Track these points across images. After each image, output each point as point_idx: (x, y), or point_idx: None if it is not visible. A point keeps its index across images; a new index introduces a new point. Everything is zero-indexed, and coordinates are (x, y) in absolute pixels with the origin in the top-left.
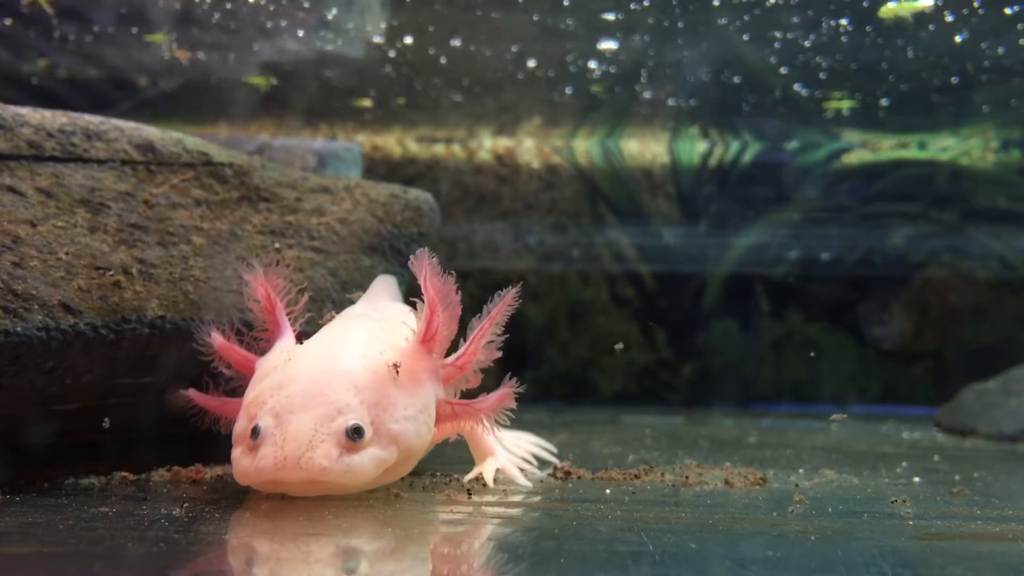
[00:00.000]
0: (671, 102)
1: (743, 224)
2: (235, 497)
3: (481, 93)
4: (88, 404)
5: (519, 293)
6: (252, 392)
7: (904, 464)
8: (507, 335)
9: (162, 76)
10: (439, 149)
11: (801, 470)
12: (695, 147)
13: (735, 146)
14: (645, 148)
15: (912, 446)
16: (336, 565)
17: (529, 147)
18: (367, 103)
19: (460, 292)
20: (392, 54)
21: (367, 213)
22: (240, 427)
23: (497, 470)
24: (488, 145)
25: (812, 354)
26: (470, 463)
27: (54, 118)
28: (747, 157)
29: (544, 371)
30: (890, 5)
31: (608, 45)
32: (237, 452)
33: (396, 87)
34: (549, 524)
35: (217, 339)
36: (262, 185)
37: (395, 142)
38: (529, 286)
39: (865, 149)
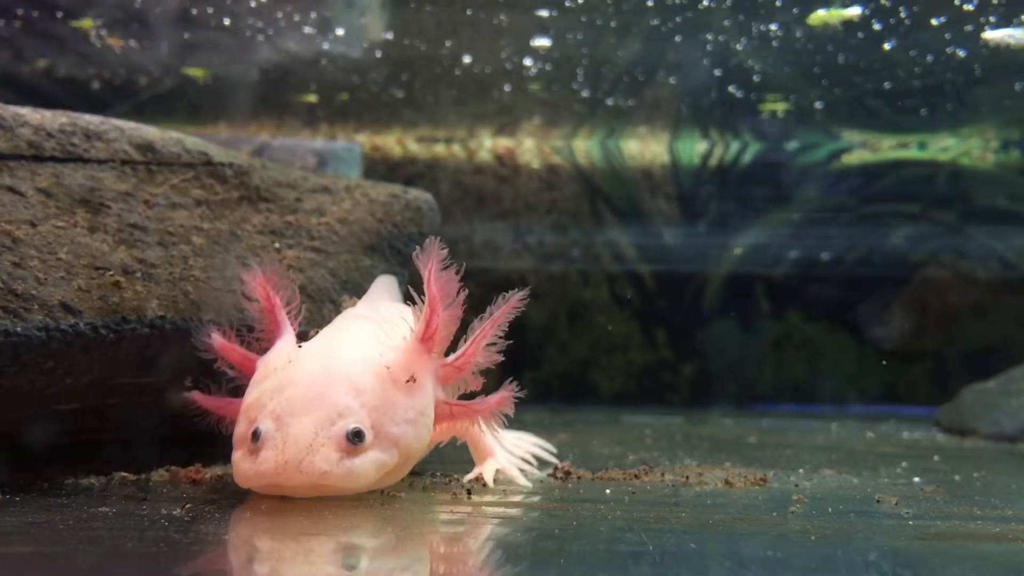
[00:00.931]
0: (609, 102)
1: (743, 224)
2: (235, 497)
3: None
4: (88, 404)
5: (524, 296)
6: (252, 394)
7: (904, 464)
8: (507, 336)
9: (163, 76)
10: (439, 149)
11: (801, 470)
12: (695, 147)
13: (735, 146)
14: (645, 148)
15: (912, 446)
16: (336, 563)
17: (529, 147)
18: (312, 98)
19: (462, 291)
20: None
21: (367, 213)
22: (240, 430)
23: (497, 470)
24: (488, 145)
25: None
26: (470, 463)
27: (54, 118)
28: (747, 157)
29: (544, 371)
30: (819, 13)
31: (542, 42)
32: (237, 455)
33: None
34: (549, 524)
35: (217, 339)
36: (262, 185)
37: (395, 142)
38: (529, 286)
39: (865, 149)
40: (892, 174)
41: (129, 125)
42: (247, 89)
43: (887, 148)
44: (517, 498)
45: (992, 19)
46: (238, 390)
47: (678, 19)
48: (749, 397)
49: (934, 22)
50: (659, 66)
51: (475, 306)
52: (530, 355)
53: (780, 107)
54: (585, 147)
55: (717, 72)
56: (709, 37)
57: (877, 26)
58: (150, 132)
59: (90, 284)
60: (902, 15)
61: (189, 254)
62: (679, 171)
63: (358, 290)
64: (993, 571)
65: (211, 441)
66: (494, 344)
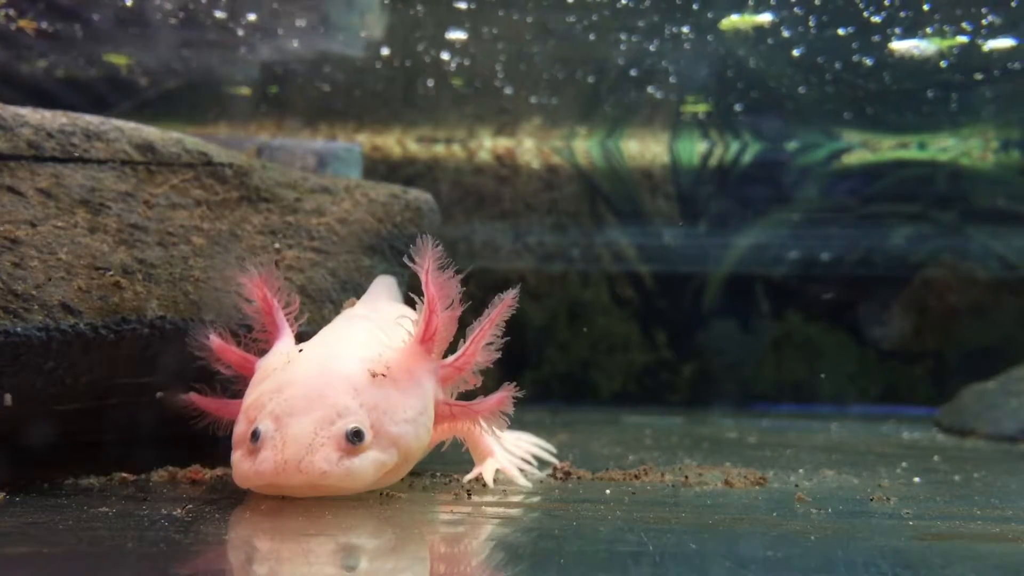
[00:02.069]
0: (533, 99)
1: (743, 224)
2: (235, 497)
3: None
4: (88, 404)
5: (518, 294)
6: (251, 395)
7: (904, 464)
8: (507, 335)
9: (164, 76)
10: (439, 149)
11: (801, 470)
12: (695, 147)
13: (735, 146)
14: (645, 148)
15: (912, 446)
16: (336, 563)
17: (529, 147)
18: (245, 91)
19: (461, 291)
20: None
21: (367, 213)
22: (240, 430)
23: (497, 470)
24: (488, 145)
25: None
26: (470, 463)
27: (54, 118)
28: (747, 157)
29: (544, 371)
30: (732, 18)
31: (457, 35)
32: (237, 455)
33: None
34: (549, 524)
35: (215, 340)
36: (262, 185)
37: (395, 142)
38: (529, 286)
39: (865, 149)
40: (892, 174)
41: (129, 125)
42: (247, 89)
43: (887, 148)
44: (517, 498)
45: (898, 31)
46: (236, 392)
47: (594, 17)
48: (749, 397)
49: (841, 32)
50: (577, 63)
51: (475, 307)
52: (530, 355)
53: (700, 108)
54: (585, 147)
55: (633, 72)
56: (623, 37)
57: (786, 33)
58: (150, 132)
59: (90, 284)
60: (811, 24)
61: (189, 254)
62: (679, 171)
63: (358, 290)
64: (993, 571)
65: (211, 441)
66: (492, 343)
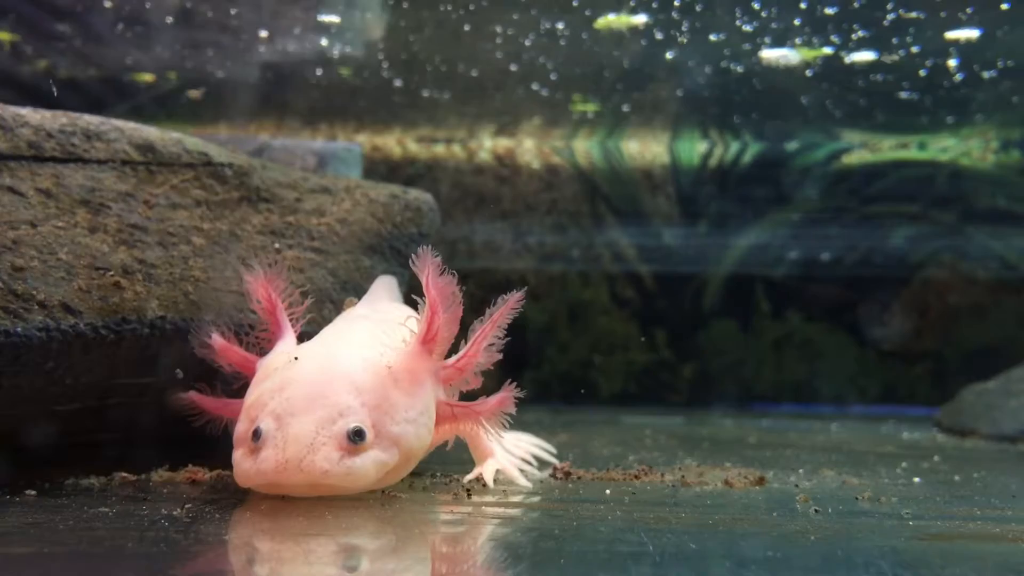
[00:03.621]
0: (424, 93)
1: (743, 224)
2: (235, 497)
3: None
4: (88, 404)
5: (522, 297)
6: (253, 394)
7: (904, 464)
8: (507, 336)
9: (163, 76)
10: (439, 149)
11: (801, 470)
12: (695, 147)
13: (735, 146)
14: (645, 148)
15: (912, 446)
16: (337, 563)
17: (529, 147)
18: (147, 78)
19: (461, 293)
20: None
21: (367, 214)
22: (241, 429)
23: (497, 471)
24: (488, 145)
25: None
26: (470, 463)
27: (54, 118)
28: (747, 157)
29: (544, 371)
30: (609, 17)
31: (331, 18)
32: (238, 454)
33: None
34: (549, 524)
35: (217, 340)
36: (262, 185)
37: (395, 142)
38: (529, 286)
39: (865, 149)
40: (892, 174)
41: (129, 125)
42: (247, 89)
43: (887, 148)
44: (517, 498)
45: (768, 40)
46: (237, 391)
47: (471, 6)
48: (749, 397)
49: (713, 38)
50: (457, 58)
51: (475, 307)
52: (530, 355)
53: (590, 108)
54: (585, 147)
55: (513, 67)
56: (499, 30)
57: (659, 35)
58: (150, 132)
59: (90, 284)
60: (684, 28)
61: (189, 254)
62: (679, 171)
63: (358, 290)
64: (993, 571)
65: (211, 441)
66: (494, 344)
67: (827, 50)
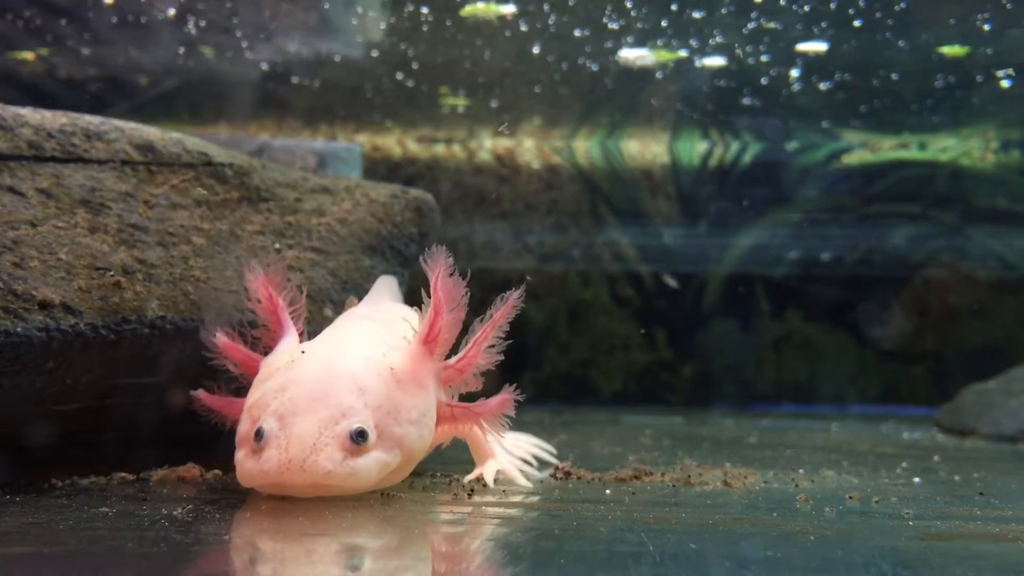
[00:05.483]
0: (294, 79)
1: (743, 224)
2: (236, 497)
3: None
4: (88, 404)
5: (521, 295)
6: (255, 394)
7: (904, 464)
8: (507, 337)
9: (163, 76)
10: (439, 149)
11: (801, 470)
12: (695, 147)
13: (735, 146)
14: (645, 148)
15: (912, 446)
16: (339, 563)
17: (529, 147)
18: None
19: (465, 294)
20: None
21: (367, 213)
22: (244, 429)
23: (497, 471)
24: (488, 145)
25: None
26: (470, 463)
27: (54, 118)
28: (747, 157)
29: (544, 371)
30: (477, 5)
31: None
32: (241, 454)
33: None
34: (549, 524)
35: (221, 338)
36: (262, 185)
37: (395, 142)
38: (529, 286)
39: (865, 149)
40: (892, 174)
41: (129, 125)
42: (247, 89)
43: (887, 148)
44: (517, 498)
45: (630, 39)
46: (241, 390)
47: None
48: (749, 397)
49: (577, 33)
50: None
51: (475, 307)
52: (530, 356)
53: (460, 102)
54: (585, 147)
55: (374, 54)
56: (359, 10)
57: (523, 27)
58: (150, 132)
59: (90, 284)
60: (550, 22)
61: (189, 254)
62: (679, 171)
63: (358, 290)
64: (993, 571)
65: (211, 442)
66: (494, 345)
67: (683, 53)
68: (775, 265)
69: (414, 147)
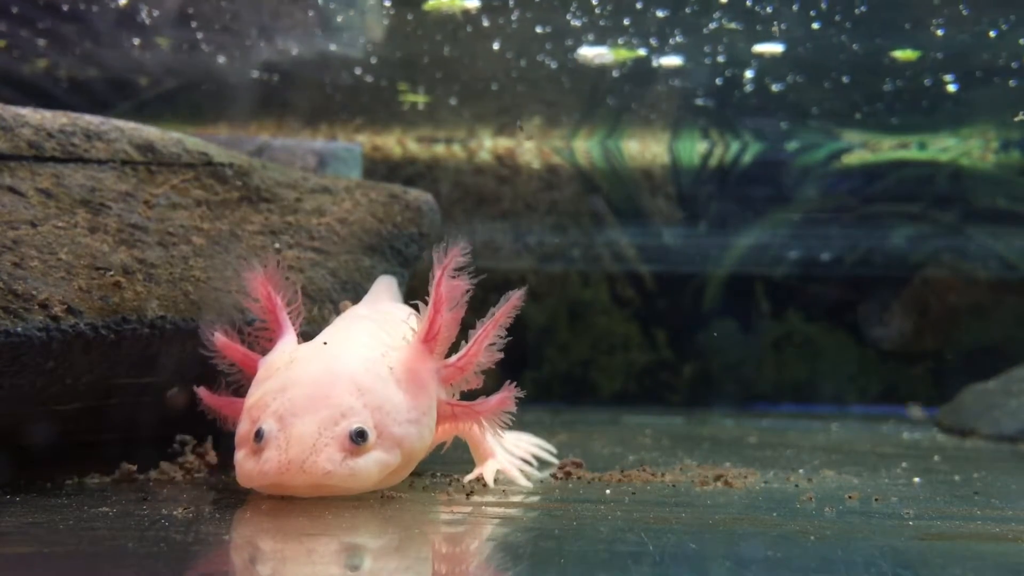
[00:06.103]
0: (254, 74)
1: (743, 224)
2: (236, 497)
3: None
4: (88, 404)
5: (523, 295)
6: (255, 394)
7: (904, 464)
8: (508, 336)
9: (163, 76)
10: (439, 149)
11: (801, 470)
12: (695, 147)
13: (735, 146)
14: (645, 148)
15: (912, 446)
16: (339, 563)
17: (529, 147)
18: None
19: (469, 293)
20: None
21: (367, 213)
22: (243, 429)
23: (497, 471)
24: (488, 145)
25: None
26: (470, 463)
27: (54, 118)
28: (747, 157)
29: (544, 371)
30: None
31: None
32: (240, 455)
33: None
34: (549, 524)
35: (220, 338)
36: (262, 185)
37: (395, 142)
38: (529, 286)
39: (865, 149)
40: (892, 174)
41: (129, 125)
42: (247, 89)
43: (887, 148)
44: (517, 498)
45: (591, 37)
46: (240, 390)
47: None
48: (749, 397)
49: (539, 30)
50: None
51: (475, 307)
52: (530, 355)
53: (420, 99)
54: (585, 147)
55: (332, 47)
56: (319, 2)
57: (485, 23)
58: (150, 132)
59: (90, 284)
60: (513, 17)
61: (189, 254)
62: (679, 171)
63: (358, 290)
64: (993, 571)
65: (211, 442)
66: (495, 344)
67: (641, 51)
68: (775, 265)
69: (414, 147)
